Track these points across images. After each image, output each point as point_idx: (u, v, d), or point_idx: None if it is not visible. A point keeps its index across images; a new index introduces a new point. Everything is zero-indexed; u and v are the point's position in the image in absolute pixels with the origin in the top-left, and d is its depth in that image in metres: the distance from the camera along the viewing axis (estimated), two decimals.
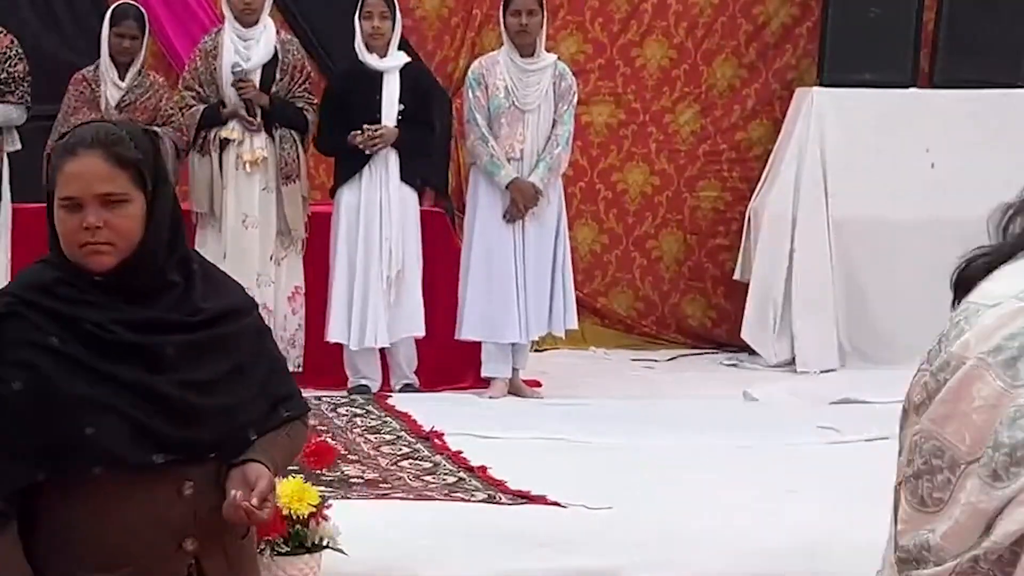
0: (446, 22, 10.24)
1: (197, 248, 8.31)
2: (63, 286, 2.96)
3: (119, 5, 8.49)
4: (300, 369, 8.51)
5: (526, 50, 8.51)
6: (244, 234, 8.42)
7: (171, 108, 8.52)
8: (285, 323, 8.52)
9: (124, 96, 8.39)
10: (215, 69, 8.43)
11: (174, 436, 2.93)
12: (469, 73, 8.68)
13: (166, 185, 3.02)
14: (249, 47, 8.44)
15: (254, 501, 2.93)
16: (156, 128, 8.32)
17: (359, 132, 8.31)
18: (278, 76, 8.45)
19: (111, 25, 8.37)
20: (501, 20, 8.60)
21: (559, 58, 8.82)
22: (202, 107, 8.39)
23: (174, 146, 8.40)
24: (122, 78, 8.41)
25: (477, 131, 8.49)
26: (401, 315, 8.47)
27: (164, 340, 2.96)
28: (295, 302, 8.56)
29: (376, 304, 8.40)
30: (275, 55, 8.46)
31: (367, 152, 8.35)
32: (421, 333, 8.48)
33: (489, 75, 8.50)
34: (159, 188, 2.98)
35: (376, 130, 8.33)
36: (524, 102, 8.49)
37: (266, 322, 8.43)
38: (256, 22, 8.44)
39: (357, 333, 8.40)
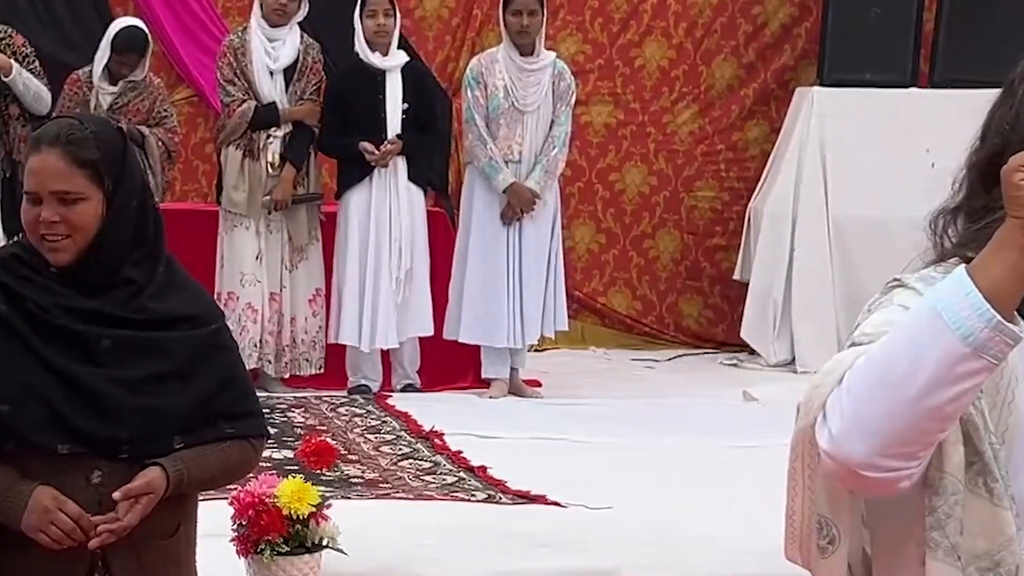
0: (446, 23, 10.25)
1: (227, 248, 8.34)
2: (20, 265, 3.03)
3: (124, 30, 8.40)
4: (322, 371, 8.55)
5: (526, 49, 8.51)
6: (271, 236, 8.46)
7: (165, 109, 8.52)
8: (306, 325, 8.54)
9: (116, 100, 8.37)
10: (246, 66, 8.43)
11: (88, 429, 2.96)
12: (467, 72, 8.67)
13: (131, 183, 3.04)
14: (276, 48, 8.45)
15: (116, 495, 2.95)
16: (144, 129, 8.33)
17: (369, 142, 8.31)
18: (296, 77, 8.46)
19: (113, 49, 8.34)
20: (501, 19, 8.59)
21: (558, 56, 8.82)
22: (253, 104, 8.39)
23: (164, 147, 8.40)
24: (114, 84, 8.40)
25: (475, 131, 8.48)
26: (409, 315, 8.48)
27: (101, 332, 2.99)
28: (315, 304, 8.57)
29: (386, 305, 8.40)
30: (297, 57, 8.48)
31: (380, 167, 8.38)
32: (430, 332, 8.49)
33: (488, 74, 8.49)
34: (121, 186, 3.01)
35: (386, 147, 8.34)
36: (523, 103, 8.49)
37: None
38: (285, 24, 8.45)
39: (368, 335, 8.40)
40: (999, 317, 1.84)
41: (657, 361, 9.98)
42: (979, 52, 9.89)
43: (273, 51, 8.46)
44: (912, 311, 1.94)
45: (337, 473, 6.43)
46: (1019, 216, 1.86)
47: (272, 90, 8.44)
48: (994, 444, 1.99)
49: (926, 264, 2.12)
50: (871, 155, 9.74)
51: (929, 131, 9.76)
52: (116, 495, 2.96)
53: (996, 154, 2.06)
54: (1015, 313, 1.88)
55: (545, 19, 8.62)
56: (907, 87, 9.99)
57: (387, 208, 8.41)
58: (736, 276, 10.16)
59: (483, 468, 6.65)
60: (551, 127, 8.55)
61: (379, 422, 7.72)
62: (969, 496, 1.98)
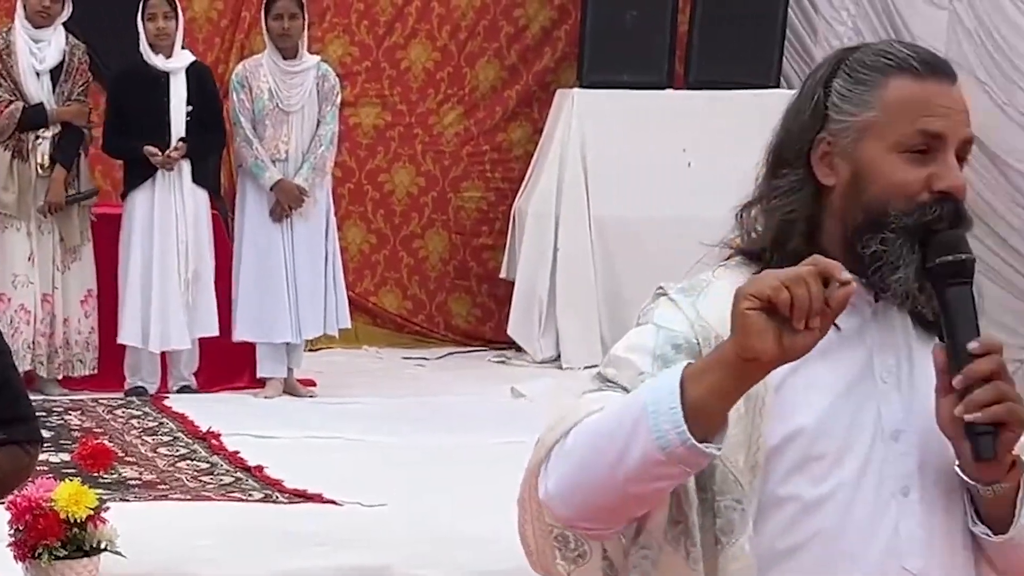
0: (215, 24, 10.23)
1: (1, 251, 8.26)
2: None
3: None
4: (95, 371, 8.51)
5: (288, 52, 8.61)
6: (42, 237, 8.40)
7: None
8: (79, 326, 8.51)
9: None
10: (12, 67, 8.36)
11: None
12: (233, 76, 8.75)
13: None
14: (42, 49, 8.42)
15: None
16: None
17: (153, 144, 8.32)
18: (63, 78, 8.43)
19: None
20: (263, 23, 8.69)
21: (322, 59, 8.92)
22: (21, 105, 8.31)
23: None
24: None
25: (242, 133, 8.57)
26: (197, 316, 8.50)
27: None
28: (87, 305, 8.54)
29: (176, 306, 8.42)
30: (63, 58, 8.43)
31: (165, 169, 8.39)
32: (216, 332, 8.52)
33: (252, 78, 8.58)
34: None
35: (173, 152, 8.35)
36: (288, 104, 8.58)
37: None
38: (49, 26, 8.40)
39: (157, 336, 8.40)
40: (693, 440, 1.93)
41: (428, 359, 10.07)
42: (731, 54, 10.15)
43: (39, 52, 8.42)
44: (634, 395, 2.02)
45: (115, 475, 6.44)
46: (738, 337, 1.93)
47: (39, 91, 8.41)
48: (716, 499, 2.08)
49: (725, 259, 2.23)
50: (630, 155, 9.90)
51: (685, 131, 9.98)
52: None
53: (778, 144, 2.21)
54: (723, 423, 1.97)
55: (306, 22, 8.73)
56: (663, 88, 10.18)
57: (172, 210, 8.44)
58: (503, 275, 10.27)
59: (260, 468, 6.71)
60: (318, 127, 8.66)
61: (156, 424, 7.74)
62: (669, 551, 2.08)
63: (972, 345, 2.06)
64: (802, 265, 1.95)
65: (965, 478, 2.13)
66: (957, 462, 2.13)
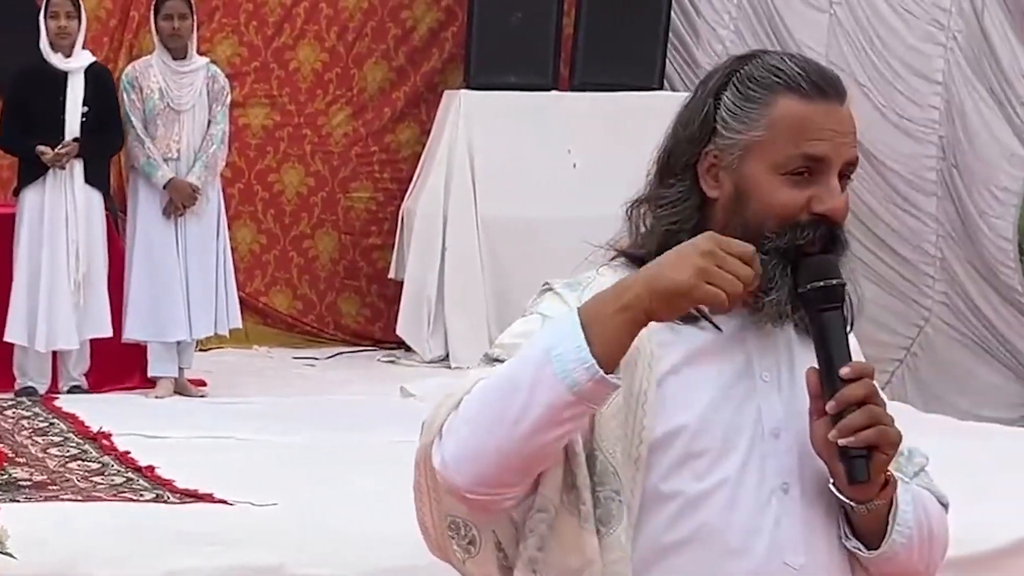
0: (104, 23, 10.19)
1: None
2: None
3: None
4: None
5: (178, 53, 8.65)
6: None
7: None
8: None
9: None
10: None
11: None
12: (123, 77, 8.76)
13: None
14: None
15: None
16: None
17: (47, 143, 8.31)
18: None
19: None
20: (152, 23, 8.72)
21: (212, 60, 8.97)
22: None
23: None
24: None
25: (133, 133, 8.60)
26: (88, 316, 8.50)
27: None
28: None
29: (65, 306, 8.41)
30: None
31: (57, 168, 8.38)
32: (108, 333, 8.51)
33: (143, 78, 8.62)
34: None
35: (62, 149, 8.35)
36: (178, 103, 8.62)
37: None
38: None
39: (45, 335, 8.40)
40: (601, 372, 2.00)
41: (318, 359, 10.10)
42: (615, 56, 10.28)
43: None
44: (530, 345, 2.07)
45: (5, 476, 6.39)
46: (665, 308, 2.03)
47: None
48: (602, 461, 2.13)
49: (609, 260, 2.28)
50: (516, 156, 10.01)
51: (570, 132, 10.10)
52: None
53: (667, 151, 2.26)
54: (618, 361, 2.04)
55: (196, 23, 8.77)
56: (548, 89, 10.28)
57: (63, 209, 8.44)
58: (392, 275, 10.32)
59: (151, 468, 6.69)
60: (209, 126, 8.71)
61: (46, 424, 7.70)
62: (565, 514, 2.12)
63: (844, 370, 2.14)
64: (705, 245, 2.03)
65: (840, 496, 2.19)
66: (832, 480, 2.19)
